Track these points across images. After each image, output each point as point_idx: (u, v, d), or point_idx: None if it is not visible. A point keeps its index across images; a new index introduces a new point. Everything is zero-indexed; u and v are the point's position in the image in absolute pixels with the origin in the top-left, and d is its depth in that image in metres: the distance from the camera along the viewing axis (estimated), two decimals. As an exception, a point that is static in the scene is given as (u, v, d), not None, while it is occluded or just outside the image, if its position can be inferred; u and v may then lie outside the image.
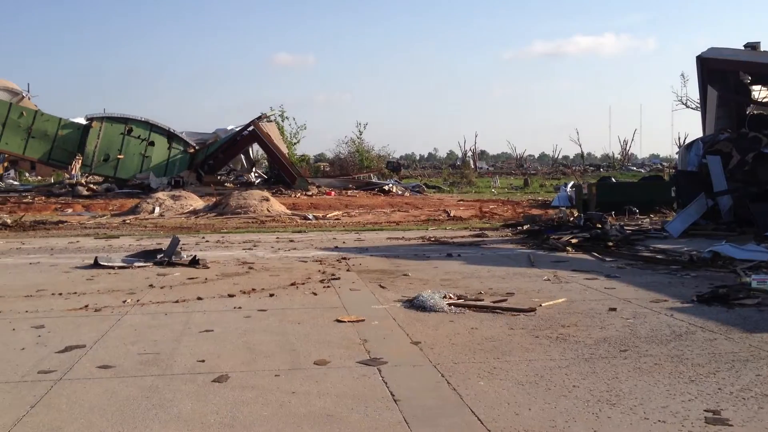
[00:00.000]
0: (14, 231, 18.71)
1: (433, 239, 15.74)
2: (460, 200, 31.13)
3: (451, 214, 23.05)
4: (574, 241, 13.80)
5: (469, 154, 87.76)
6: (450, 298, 8.36)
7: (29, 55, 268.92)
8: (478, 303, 8.18)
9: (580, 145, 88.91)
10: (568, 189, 29.84)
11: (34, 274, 10.84)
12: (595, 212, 17.22)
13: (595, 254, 12.68)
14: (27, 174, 60.37)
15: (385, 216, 23.23)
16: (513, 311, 7.81)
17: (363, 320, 7.44)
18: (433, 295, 8.32)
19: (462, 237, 16.25)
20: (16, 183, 44.96)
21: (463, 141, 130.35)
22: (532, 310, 7.82)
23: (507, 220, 20.87)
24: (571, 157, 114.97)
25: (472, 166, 71.93)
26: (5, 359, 6.03)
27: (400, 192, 34.87)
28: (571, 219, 16.46)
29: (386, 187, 35.22)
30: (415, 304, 8.14)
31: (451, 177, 54.36)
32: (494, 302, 8.24)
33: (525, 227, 16.94)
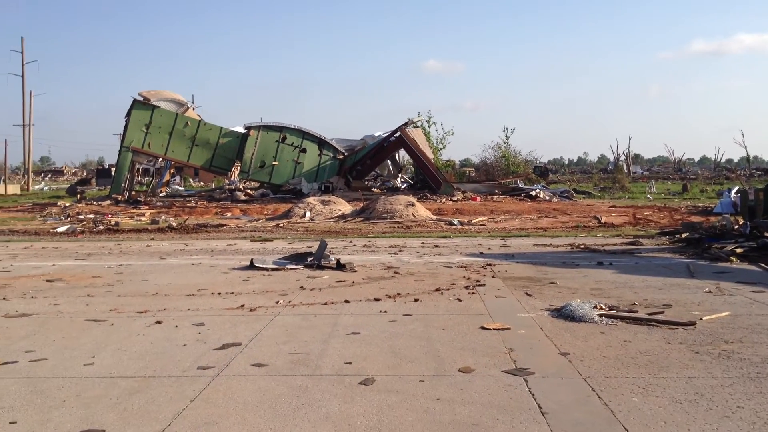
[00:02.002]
0: (179, 233, 20.04)
1: (582, 246, 15.22)
2: (611, 206, 29.93)
3: (602, 221, 22.20)
4: (738, 250, 12.85)
5: (622, 157, 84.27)
6: (601, 308, 8.02)
7: (193, 67, 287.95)
8: (632, 314, 7.78)
9: (746, 148, 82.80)
10: (732, 195, 27.85)
11: (196, 275, 11.53)
12: (763, 220, 15.95)
13: (763, 265, 11.74)
14: (191, 180, 64.65)
15: (531, 222, 22.75)
16: (670, 324, 7.37)
17: (509, 328, 7.29)
18: (582, 304, 8.02)
19: (614, 245, 15.59)
20: (180, 188, 48.23)
21: (615, 144, 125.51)
22: (692, 323, 7.34)
23: (663, 227, 19.81)
24: (736, 160, 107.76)
25: (625, 171, 69.01)
26: (169, 354, 6.44)
27: (547, 197, 34.01)
28: (736, 227, 15.33)
29: (533, 193, 34.47)
30: (563, 314, 7.88)
31: (602, 182, 52.45)
32: (649, 314, 7.81)
33: (683, 235, 15.98)
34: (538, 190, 35.40)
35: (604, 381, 5.49)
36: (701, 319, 7.59)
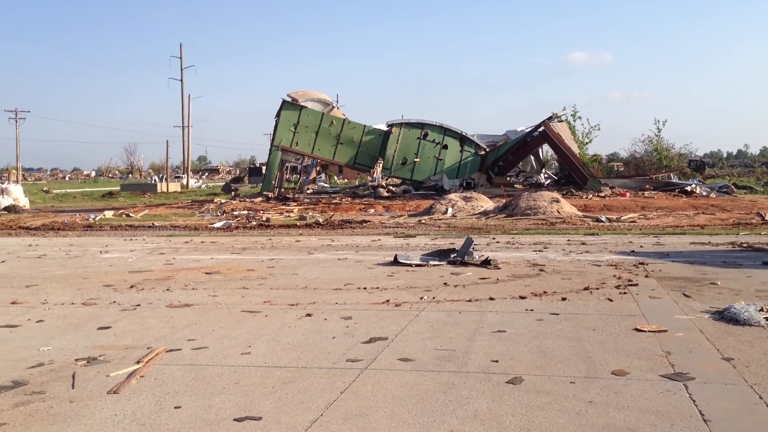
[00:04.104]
0: (325, 229, 20.64)
1: (745, 245, 14.20)
2: (776, 202, 27.76)
3: (767, 218, 20.63)
4: None
5: (788, 149, 77.92)
6: (768, 311, 7.44)
7: (337, 66, 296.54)
8: (805, 319, 7.16)
9: None
10: None
11: (342, 269, 11.82)
12: None
13: None
14: (335, 177, 66.50)
15: (687, 219, 21.53)
16: None
17: (665, 331, 6.92)
18: (747, 307, 7.47)
19: (780, 243, 14.43)
20: (326, 185, 49.75)
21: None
22: None
23: (838, 224, 18.12)
24: None
25: (792, 164, 63.73)
26: (319, 347, 6.63)
27: (704, 193, 32.07)
28: None
29: (688, 188, 32.63)
30: (725, 317, 7.39)
31: (765, 176, 48.81)
32: (825, 319, 7.15)
33: None
34: (693, 185, 33.48)
35: (774, 390, 5.09)
36: None
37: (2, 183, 38.75)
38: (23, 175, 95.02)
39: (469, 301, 8.72)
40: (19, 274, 12.08)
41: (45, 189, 64.32)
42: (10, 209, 33.19)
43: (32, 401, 5.19)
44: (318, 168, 46.54)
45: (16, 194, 35.72)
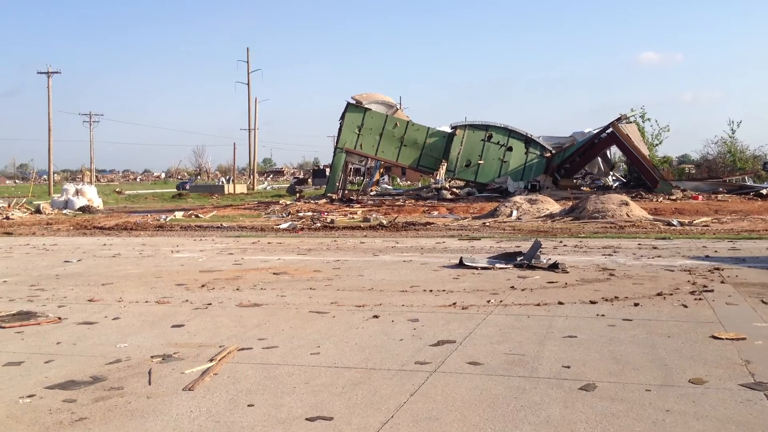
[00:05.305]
0: (389, 231, 20.69)
1: (827, 251, 13.61)
2: None
3: None
4: None
5: None
6: None
7: (401, 70, 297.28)
8: None
9: None
10: None
11: (408, 271, 11.82)
12: None
13: None
14: (398, 179, 66.69)
15: (762, 223, 20.75)
16: None
17: (744, 338, 6.68)
18: (833, 316, 7.15)
19: None
20: (389, 187, 49.94)
21: None
22: None
23: None
24: None
25: None
26: (387, 348, 6.64)
27: (780, 196, 30.86)
28: None
29: (764, 191, 31.46)
30: (809, 325, 7.08)
31: None
32: None
33: None
34: (769, 189, 32.26)
35: None
36: None
37: (77, 184, 40.18)
38: (97, 176, 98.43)
39: (538, 305, 8.61)
40: (96, 272, 12.51)
41: (117, 190, 66.53)
42: (85, 209, 34.43)
43: (111, 396, 5.36)
44: (381, 170, 46.79)
45: (90, 195, 37.04)
